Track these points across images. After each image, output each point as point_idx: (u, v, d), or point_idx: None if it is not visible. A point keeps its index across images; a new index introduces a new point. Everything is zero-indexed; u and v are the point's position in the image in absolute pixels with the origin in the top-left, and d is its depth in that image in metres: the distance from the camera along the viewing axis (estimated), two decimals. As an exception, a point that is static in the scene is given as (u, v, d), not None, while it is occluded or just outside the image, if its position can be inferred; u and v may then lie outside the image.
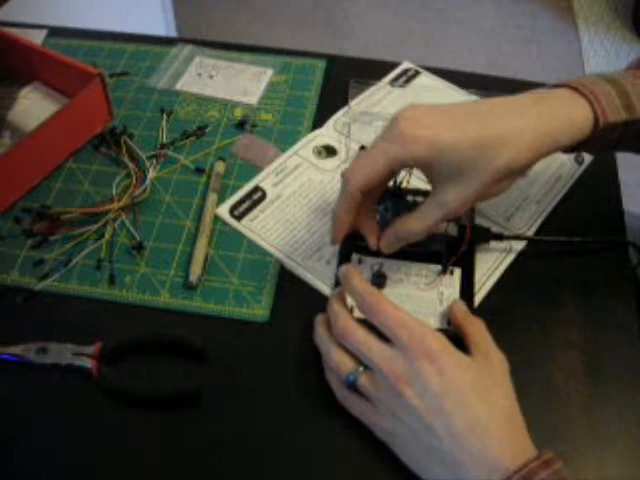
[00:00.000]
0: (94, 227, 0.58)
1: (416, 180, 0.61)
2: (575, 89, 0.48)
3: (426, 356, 0.43)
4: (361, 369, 0.45)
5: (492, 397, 0.43)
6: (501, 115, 0.46)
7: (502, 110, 0.47)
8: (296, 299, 0.54)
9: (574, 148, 0.50)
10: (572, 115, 0.47)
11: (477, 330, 0.48)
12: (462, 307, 0.50)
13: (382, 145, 0.46)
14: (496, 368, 0.45)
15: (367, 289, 0.47)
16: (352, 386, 0.45)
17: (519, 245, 0.57)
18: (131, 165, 0.63)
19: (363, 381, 0.45)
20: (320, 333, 0.49)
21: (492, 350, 0.46)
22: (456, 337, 0.48)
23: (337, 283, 0.54)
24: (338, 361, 0.46)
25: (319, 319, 0.50)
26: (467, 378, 0.43)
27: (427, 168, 0.47)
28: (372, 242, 0.52)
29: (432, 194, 0.49)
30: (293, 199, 0.61)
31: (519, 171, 0.47)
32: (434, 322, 0.51)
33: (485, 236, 0.56)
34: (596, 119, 0.47)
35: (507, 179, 0.47)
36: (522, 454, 0.40)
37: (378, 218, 0.56)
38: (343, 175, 0.48)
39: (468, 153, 0.45)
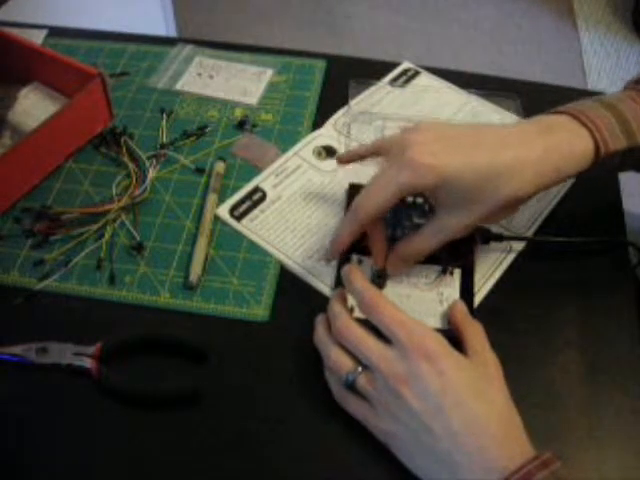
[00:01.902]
0: (94, 227, 0.58)
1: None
2: (576, 118, 0.48)
3: (425, 356, 0.43)
4: (360, 369, 0.45)
5: (490, 397, 0.43)
6: (509, 146, 0.47)
7: (510, 141, 0.47)
8: (296, 299, 0.54)
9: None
10: (575, 147, 0.48)
11: (475, 332, 0.48)
12: (462, 308, 0.50)
13: (391, 172, 0.47)
14: (492, 370, 0.45)
15: (368, 288, 0.47)
16: (351, 386, 0.45)
17: (519, 245, 0.57)
18: (131, 165, 0.63)
19: (362, 381, 0.45)
20: (320, 333, 0.49)
21: (487, 352, 0.46)
22: (455, 338, 0.48)
23: (337, 283, 0.54)
24: (337, 361, 0.46)
25: (319, 319, 0.50)
26: (465, 379, 0.43)
27: (434, 194, 0.48)
28: (379, 262, 0.53)
29: (436, 217, 0.50)
30: (293, 200, 0.61)
31: (523, 201, 0.48)
32: (434, 322, 0.51)
33: (485, 236, 0.56)
34: (597, 148, 0.48)
35: (510, 207, 0.49)
36: (520, 455, 0.40)
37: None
38: (353, 203, 0.49)
39: (475, 182, 0.46)
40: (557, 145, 0.47)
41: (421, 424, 0.42)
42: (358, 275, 0.48)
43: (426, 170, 0.46)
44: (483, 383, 0.44)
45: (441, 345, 0.44)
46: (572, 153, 0.48)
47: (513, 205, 0.48)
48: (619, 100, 0.50)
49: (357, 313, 0.48)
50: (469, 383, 0.43)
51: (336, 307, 0.48)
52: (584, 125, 0.48)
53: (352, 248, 0.56)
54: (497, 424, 0.42)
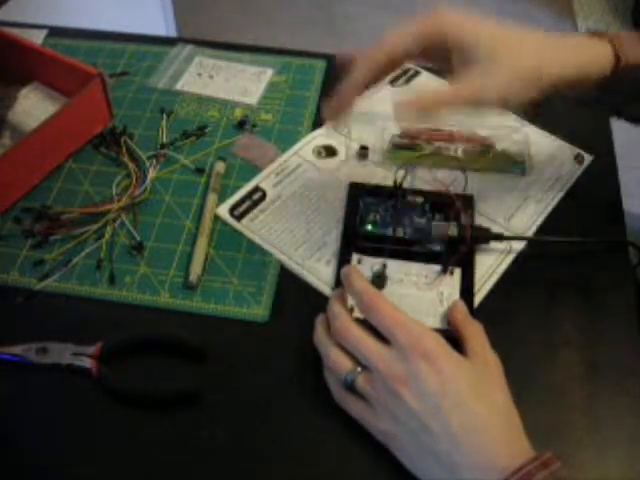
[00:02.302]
0: (94, 227, 0.58)
1: (416, 180, 0.61)
2: (594, 35, 0.51)
3: (424, 356, 0.43)
4: (359, 369, 0.45)
5: (490, 398, 0.43)
6: (535, 35, 0.50)
7: (536, 34, 0.50)
8: (296, 299, 0.54)
9: (601, 87, 0.51)
10: (594, 48, 0.50)
11: (475, 332, 0.48)
12: (462, 309, 0.50)
13: (419, 18, 0.49)
14: (492, 370, 0.45)
15: (367, 288, 0.47)
16: (350, 387, 0.45)
17: (519, 245, 0.57)
18: (131, 165, 0.63)
19: (361, 381, 0.45)
20: (319, 333, 0.49)
21: (488, 352, 0.46)
22: (455, 338, 0.48)
23: (337, 283, 0.54)
24: (336, 361, 0.46)
25: (319, 319, 0.50)
26: (465, 379, 0.43)
27: (458, 50, 0.48)
28: (339, 98, 0.51)
29: (455, 77, 0.49)
30: (293, 199, 0.61)
31: (544, 83, 0.48)
32: (434, 322, 0.51)
33: (485, 236, 0.56)
34: (617, 56, 0.50)
35: (532, 86, 0.48)
36: (520, 455, 0.40)
37: (379, 218, 0.57)
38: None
39: (504, 43, 0.47)
40: (578, 42, 0.50)
41: (420, 424, 0.42)
42: (357, 275, 0.48)
43: (455, 21, 0.48)
44: (483, 383, 0.44)
45: (440, 345, 0.44)
46: (592, 51, 0.50)
47: (534, 85, 0.48)
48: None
49: (357, 313, 0.48)
50: (469, 383, 0.43)
51: (335, 307, 0.48)
52: (603, 38, 0.51)
53: (353, 246, 0.56)
54: (497, 425, 0.42)
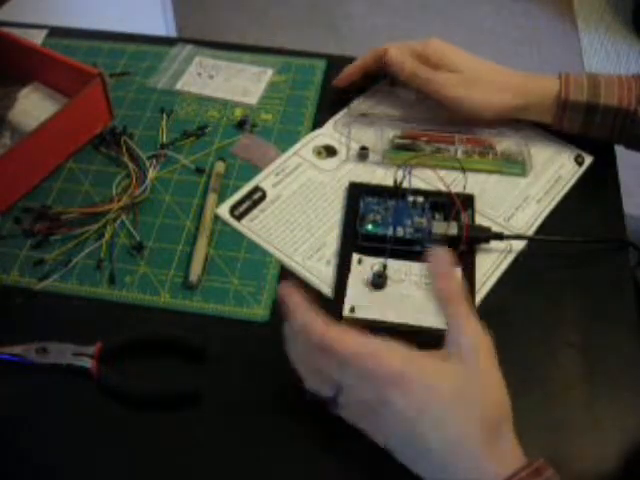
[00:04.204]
0: (94, 227, 0.58)
1: (416, 180, 0.61)
2: (558, 76, 0.61)
3: (392, 382, 0.40)
4: (340, 396, 0.43)
5: (472, 409, 0.40)
6: (495, 70, 0.63)
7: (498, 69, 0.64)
8: (296, 299, 0.54)
9: (558, 124, 0.63)
10: (542, 82, 0.62)
11: (457, 312, 0.43)
12: (446, 258, 0.44)
13: (411, 43, 0.65)
14: (478, 363, 0.41)
15: (312, 323, 0.42)
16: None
17: (519, 245, 0.57)
18: (131, 165, 0.63)
19: (342, 411, 0.43)
20: (290, 346, 0.45)
21: (473, 338, 0.41)
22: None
23: (338, 283, 0.54)
24: (316, 388, 0.44)
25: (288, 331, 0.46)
26: (439, 395, 0.40)
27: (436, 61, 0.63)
28: (341, 79, 0.69)
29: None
30: (293, 199, 0.61)
31: (489, 110, 0.62)
32: (434, 322, 0.51)
33: (485, 236, 0.56)
34: (559, 93, 0.60)
35: (480, 111, 0.62)
36: (511, 463, 0.39)
37: (379, 218, 0.57)
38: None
39: (467, 69, 0.62)
40: (528, 75, 0.63)
41: (404, 442, 0.41)
42: (299, 302, 0.44)
43: (436, 46, 0.63)
44: (464, 390, 0.40)
45: (410, 364, 0.41)
46: (538, 84, 0.62)
47: (481, 111, 0.62)
48: (608, 75, 0.61)
49: (358, 313, 0.48)
50: (446, 401, 0.40)
51: (294, 328, 0.44)
52: (559, 77, 0.61)
53: (353, 246, 0.56)
54: (481, 436, 0.39)
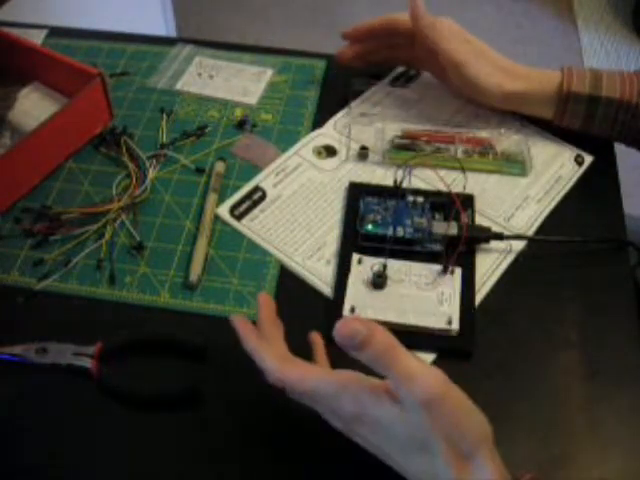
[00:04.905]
0: (94, 227, 0.58)
1: (416, 180, 0.61)
2: (560, 69, 0.62)
3: (356, 419, 0.39)
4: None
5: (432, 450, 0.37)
6: (500, 58, 0.64)
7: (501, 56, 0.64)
8: (296, 299, 0.54)
9: (558, 116, 0.62)
10: (544, 74, 0.62)
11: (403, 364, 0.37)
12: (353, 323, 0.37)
13: (423, 18, 0.64)
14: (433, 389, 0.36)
15: (264, 360, 0.42)
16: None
17: (519, 245, 0.57)
18: (131, 165, 0.63)
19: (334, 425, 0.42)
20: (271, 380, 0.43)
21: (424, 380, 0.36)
22: (458, 339, 0.48)
23: (338, 282, 0.54)
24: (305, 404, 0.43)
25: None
26: (397, 441, 0.39)
27: (436, 49, 0.63)
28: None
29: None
30: (293, 199, 0.61)
31: (493, 86, 0.62)
32: (434, 322, 0.51)
33: (485, 236, 0.56)
34: (561, 84, 0.60)
35: (480, 92, 0.62)
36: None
37: (379, 218, 0.57)
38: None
39: (471, 50, 0.62)
40: (531, 69, 0.63)
41: (388, 460, 0.40)
42: (249, 331, 0.44)
43: (439, 24, 0.63)
44: (422, 434, 0.37)
45: (361, 408, 0.39)
46: (540, 74, 0.62)
47: (483, 92, 0.62)
48: (610, 69, 0.62)
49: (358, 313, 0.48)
50: (402, 441, 0.38)
51: (267, 362, 0.43)
52: (561, 70, 0.61)
53: (353, 246, 0.56)
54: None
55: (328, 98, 0.70)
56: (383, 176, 0.62)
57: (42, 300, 0.54)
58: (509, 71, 0.62)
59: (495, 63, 0.62)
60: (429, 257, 0.55)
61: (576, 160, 0.64)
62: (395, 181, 0.58)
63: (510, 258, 0.57)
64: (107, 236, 0.58)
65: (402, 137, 0.64)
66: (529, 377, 0.49)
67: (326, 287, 0.55)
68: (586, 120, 0.62)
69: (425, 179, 0.61)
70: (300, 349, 0.51)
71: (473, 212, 0.58)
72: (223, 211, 0.60)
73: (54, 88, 0.69)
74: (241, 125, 0.67)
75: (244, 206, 0.60)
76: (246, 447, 0.47)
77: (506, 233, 0.56)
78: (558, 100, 0.61)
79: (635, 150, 0.64)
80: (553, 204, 0.61)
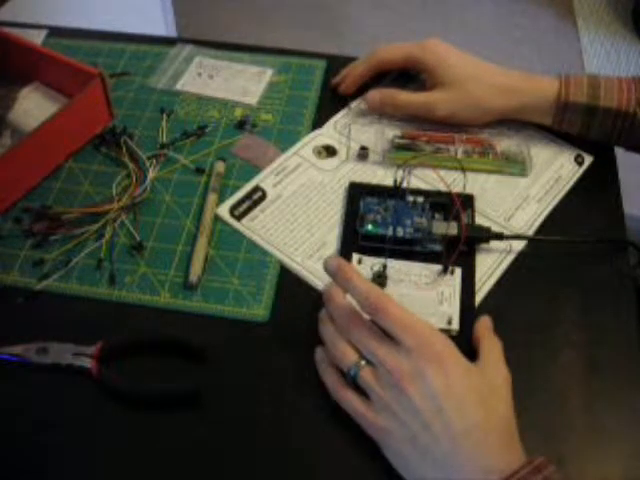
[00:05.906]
0: (94, 227, 0.58)
1: (416, 180, 0.61)
2: (557, 76, 0.62)
3: (432, 359, 0.43)
4: (363, 363, 0.45)
5: (492, 405, 0.43)
6: (496, 72, 0.63)
7: (498, 70, 0.64)
8: (296, 299, 0.54)
9: (557, 125, 0.63)
10: (541, 83, 0.62)
11: (492, 346, 0.48)
12: (488, 324, 0.50)
13: (409, 44, 0.65)
14: (500, 381, 0.45)
15: (371, 288, 0.46)
16: (353, 380, 0.45)
17: (519, 245, 0.57)
18: (131, 165, 0.63)
19: (365, 375, 0.45)
20: (326, 324, 0.49)
21: (500, 365, 0.47)
22: (458, 339, 0.48)
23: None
24: (344, 352, 0.46)
25: (324, 312, 0.50)
26: (470, 384, 0.43)
27: (432, 74, 0.64)
28: (343, 83, 0.69)
29: (426, 92, 0.65)
30: (293, 199, 0.61)
31: (488, 108, 0.63)
32: (435, 322, 0.51)
33: (485, 236, 0.56)
34: (559, 94, 0.60)
35: (477, 112, 0.63)
36: (515, 461, 0.41)
37: (379, 218, 0.57)
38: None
39: (464, 75, 0.62)
40: (528, 76, 0.63)
41: (421, 423, 0.42)
42: (354, 272, 0.47)
43: (434, 53, 0.64)
44: (487, 391, 0.44)
45: (449, 348, 0.44)
46: (537, 85, 0.62)
47: (481, 109, 0.63)
48: (608, 76, 0.61)
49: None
50: (473, 388, 0.43)
51: (337, 300, 0.48)
52: (558, 78, 0.61)
53: (353, 246, 0.56)
54: (496, 431, 0.42)
55: (328, 98, 0.70)
56: (383, 176, 0.62)
57: (42, 300, 0.54)
58: (503, 91, 0.62)
59: (490, 81, 0.62)
60: (429, 257, 0.55)
61: (576, 160, 0.64)
62: (395, 181, 0.58)
63: (510, 258, 0.57)
64: (107, 236, 0.58)
65: (402, 137, 0.64)
66: (529, 377, 0.49)
67: (326, 287, 0.55)
68: (584, 128, 0.62)
69: (425, 179, 0.61)
70: (300, 349, 0.51)
71: (473, 212, 0.58)
72: (223, 211, 0.60)
73: (54, 88, 0.69)
74: (241, 125, 0.67)
75: (244, 206, 0.60)
76: (246, 447, 0.47)
77: (506, 233, 0.56)
78: (556, 109, 0.61)
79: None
80: (553, 204, 0.61)
